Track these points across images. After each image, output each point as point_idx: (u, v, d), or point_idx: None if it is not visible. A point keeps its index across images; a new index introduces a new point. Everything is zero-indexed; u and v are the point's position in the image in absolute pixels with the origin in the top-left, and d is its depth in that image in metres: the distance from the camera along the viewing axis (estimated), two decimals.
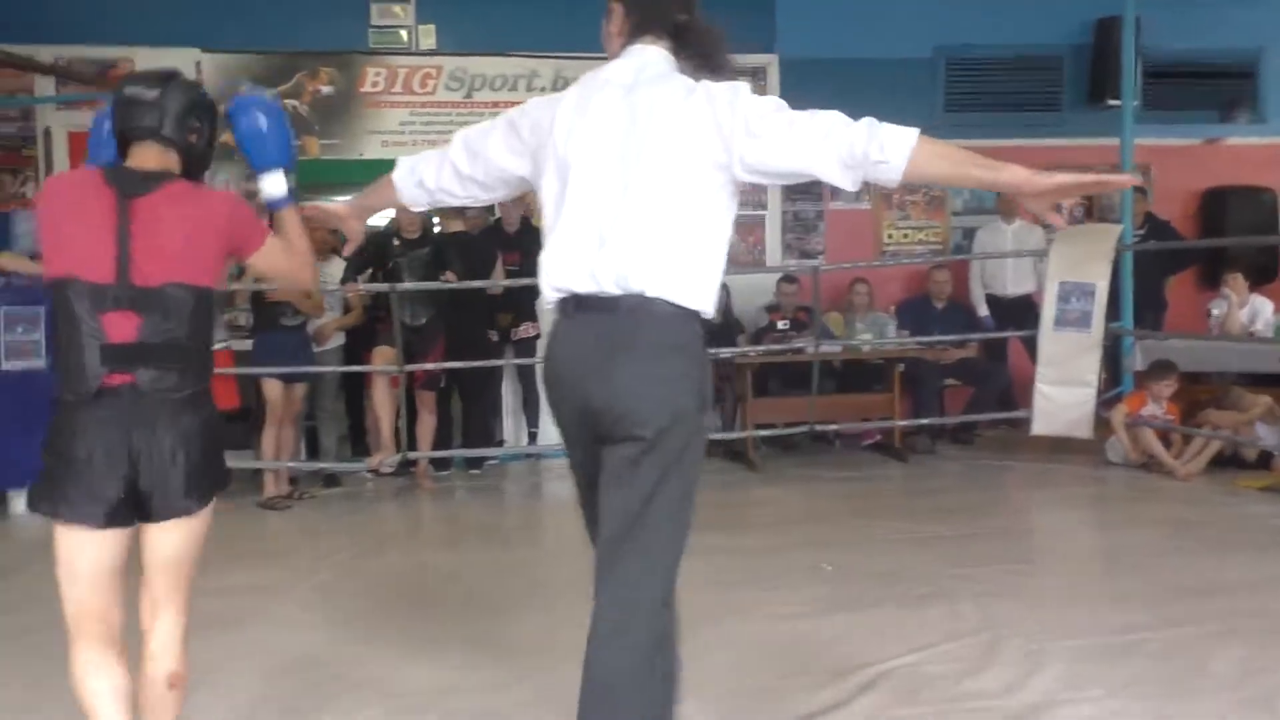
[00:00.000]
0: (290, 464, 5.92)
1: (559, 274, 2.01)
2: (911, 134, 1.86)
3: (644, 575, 1.93)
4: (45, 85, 6.78)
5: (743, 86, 1.97)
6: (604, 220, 1.97)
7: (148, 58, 6.76)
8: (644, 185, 1.95)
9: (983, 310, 7.32)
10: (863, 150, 1.85)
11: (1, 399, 5.43)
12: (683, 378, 1.96)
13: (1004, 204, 7.29)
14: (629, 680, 1.89)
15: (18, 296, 5.45)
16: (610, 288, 1.95)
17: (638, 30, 2.08)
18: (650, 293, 1.94)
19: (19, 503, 5.61)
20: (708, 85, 1.98)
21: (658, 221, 1.95)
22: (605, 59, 2.11)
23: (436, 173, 2.25)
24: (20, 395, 5.46)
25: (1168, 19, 7.29)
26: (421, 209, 2.42)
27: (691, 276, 1.97)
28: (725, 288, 7.05)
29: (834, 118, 1.90)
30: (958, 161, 1.89)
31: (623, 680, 1.89)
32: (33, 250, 5.86)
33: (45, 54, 6.62)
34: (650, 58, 2.06)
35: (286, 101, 6.86)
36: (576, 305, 1.99)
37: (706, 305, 2.00)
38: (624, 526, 1.92)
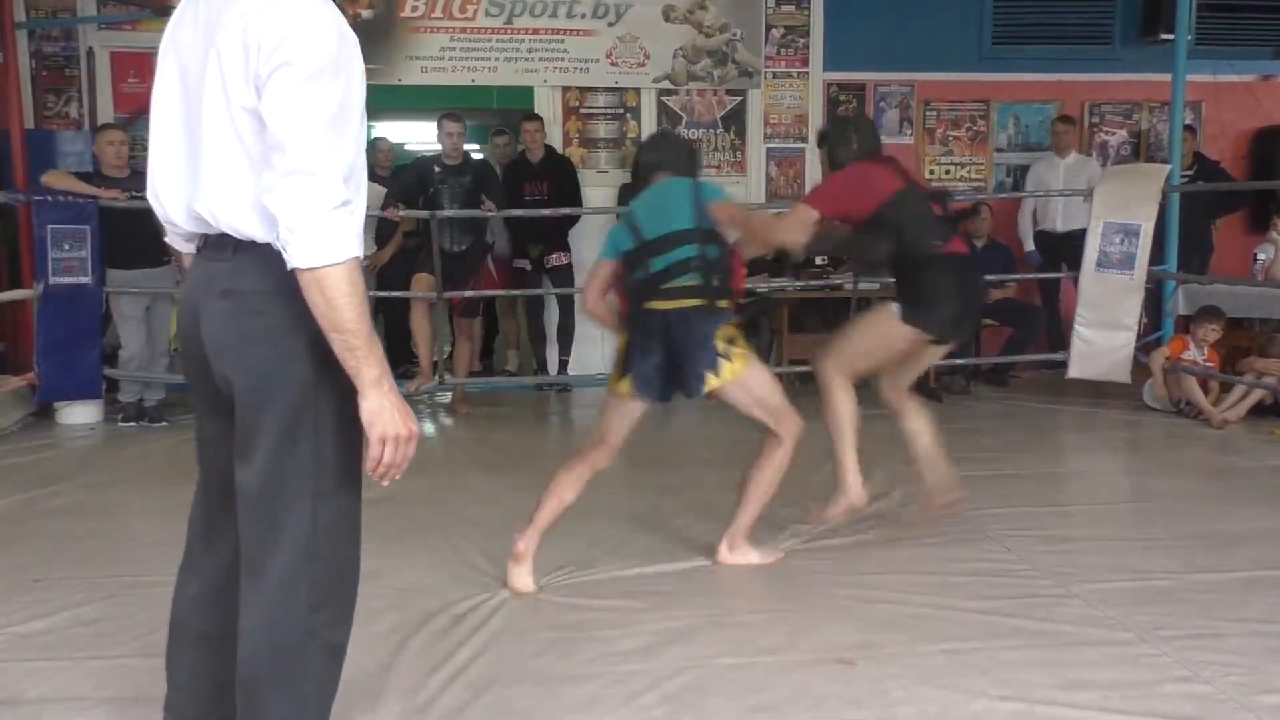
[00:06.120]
0: None
1: (167, 208, 1.77)
2: (328, 254, 1.56)
3: (271, 558, 1.70)
4: (87, 6, 6.79)
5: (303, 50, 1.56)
6: (188, 152, 1.70)
7: None
8: (217, 113, 1.64)
9: (1029, 245, 7.21)
10: (279, 220, 1.57)
11: (50, 314, 5.55)
12: (288, 332, 1.66)
13: (1058, 139, 7.15)
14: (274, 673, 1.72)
15: (65, 214, 5.50)
16: (210, 227, 1.70)
17: None
18: (260, 236, 1.65)
19: (68, 414, 5.75)
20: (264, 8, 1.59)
21: (238, 153, 1.64)
22: None
23: None
24: (68, 310, 5.57)
25: None
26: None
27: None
28: None
29: (314, 162, 1.55)
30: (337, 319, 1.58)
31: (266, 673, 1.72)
32: (78, 169, 5.91)
33: None
34: None
35: None
36: (203, 244, 1.76)
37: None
38: (246, 505, 1.71)
